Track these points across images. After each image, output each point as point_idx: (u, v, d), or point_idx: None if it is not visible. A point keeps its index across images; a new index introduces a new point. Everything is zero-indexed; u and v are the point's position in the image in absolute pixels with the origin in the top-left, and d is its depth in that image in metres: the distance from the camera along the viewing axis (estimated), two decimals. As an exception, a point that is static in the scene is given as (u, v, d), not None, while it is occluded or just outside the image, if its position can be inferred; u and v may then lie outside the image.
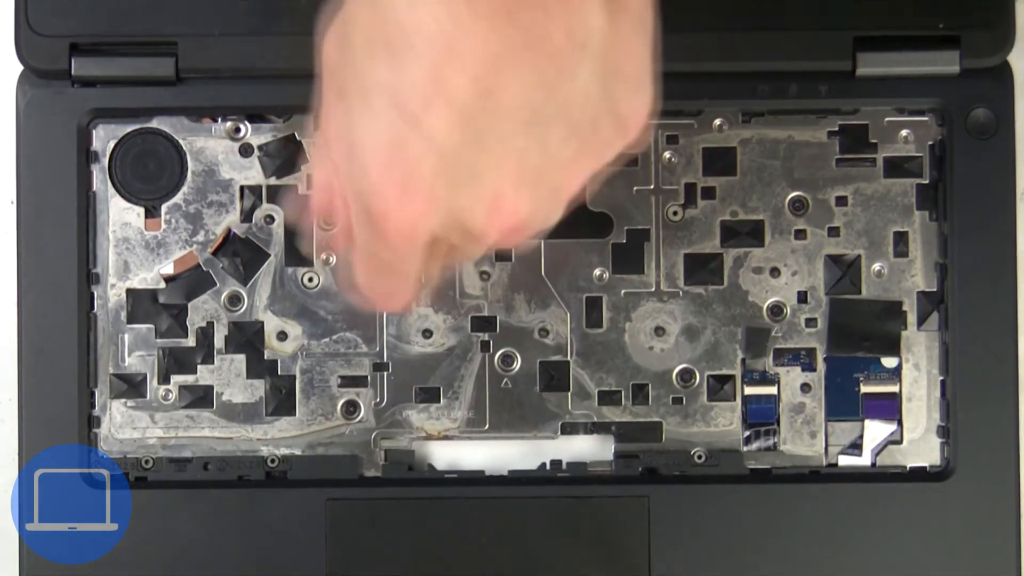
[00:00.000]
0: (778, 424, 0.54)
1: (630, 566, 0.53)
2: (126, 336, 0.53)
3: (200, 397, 0.54)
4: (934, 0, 0.52)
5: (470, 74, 0.35)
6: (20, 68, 0.52)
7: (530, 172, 0.37)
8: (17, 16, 0.52)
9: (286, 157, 0.53)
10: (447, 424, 0.54)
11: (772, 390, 0.54)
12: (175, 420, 0.54)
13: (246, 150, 0.53)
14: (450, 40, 0.35)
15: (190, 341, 0.54)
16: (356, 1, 0.36)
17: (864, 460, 0.54)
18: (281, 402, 0.54)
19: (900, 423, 0.54)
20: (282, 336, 0.54)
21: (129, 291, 0.53)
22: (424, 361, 0.54)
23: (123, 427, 0.53)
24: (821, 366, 0.54)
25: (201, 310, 0.54)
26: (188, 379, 0.54)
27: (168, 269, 0.54)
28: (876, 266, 0.54)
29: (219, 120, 0.53)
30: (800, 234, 0.54)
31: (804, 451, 0.54)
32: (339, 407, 0.54)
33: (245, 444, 0.54)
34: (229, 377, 0.54)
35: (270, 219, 0.54)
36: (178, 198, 0.53)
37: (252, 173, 0.54)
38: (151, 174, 0.54)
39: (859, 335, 0.54)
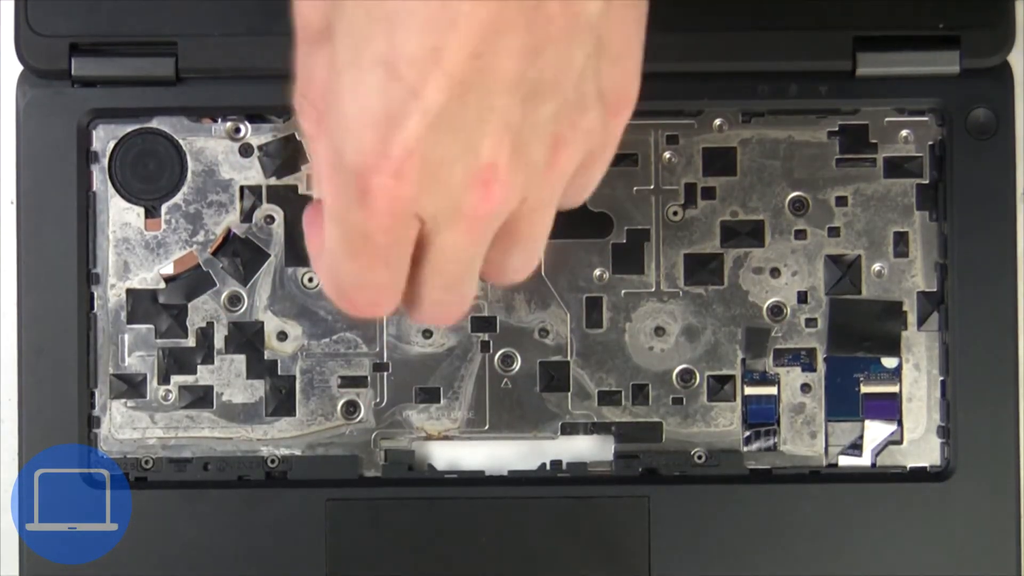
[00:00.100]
0: (778, 424, 0.54)
1: (630, 566, 0.53)
2: (126, 336, 0.53)
3: (200, 397, 0.54)
4: (934, 0, 0.52)
5: (468, 45, 0.35)
6: (20, 68, 0.52)
7: (520, 145, 0.37)
8: (17, 16, 0.52)
9: (286, 157, 0.53)
10: (447, 424, 0.54)
11: (772, 390, 0.54)
12: (175, 420, 0.53)
13: (246, 150, 0.53)
14: (449, 10, 0.35)
15: (190, 341, 0.53)
16: None
17: (864, 460, 0.54)
18: (281, 402, 0.54)
19: (900, 423, 0.54)
20: (282, 336, 0.54)
21: (129, 291, 0.53)
22: (424, 361, 0.54)
23: (123, 427, 0.53)
24: (821, 366, 0.54)
25: (201, 310, 0.54)
26: (188, 379, 0.54)
27: (168, 269, 0.54)
28: (876, 266, 0.54)
29: (219, 120, 0.53)
30: (800, 234, 0.54)
31: (804, 451, 0.54)
32: (339, 407, 0.54)
33: (245, 444, 0.54)
34: (229, 377, 0.54)
35: (270, 219, 0.53)
36: (178, 198, 0.53)
37: (252, 173, 0.54)
38: (151, 174, 0.53)
39: (859, 335, 0.54)
